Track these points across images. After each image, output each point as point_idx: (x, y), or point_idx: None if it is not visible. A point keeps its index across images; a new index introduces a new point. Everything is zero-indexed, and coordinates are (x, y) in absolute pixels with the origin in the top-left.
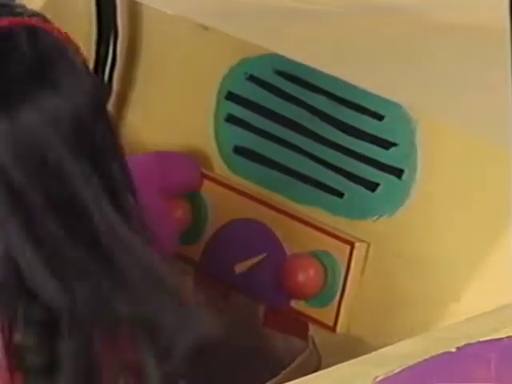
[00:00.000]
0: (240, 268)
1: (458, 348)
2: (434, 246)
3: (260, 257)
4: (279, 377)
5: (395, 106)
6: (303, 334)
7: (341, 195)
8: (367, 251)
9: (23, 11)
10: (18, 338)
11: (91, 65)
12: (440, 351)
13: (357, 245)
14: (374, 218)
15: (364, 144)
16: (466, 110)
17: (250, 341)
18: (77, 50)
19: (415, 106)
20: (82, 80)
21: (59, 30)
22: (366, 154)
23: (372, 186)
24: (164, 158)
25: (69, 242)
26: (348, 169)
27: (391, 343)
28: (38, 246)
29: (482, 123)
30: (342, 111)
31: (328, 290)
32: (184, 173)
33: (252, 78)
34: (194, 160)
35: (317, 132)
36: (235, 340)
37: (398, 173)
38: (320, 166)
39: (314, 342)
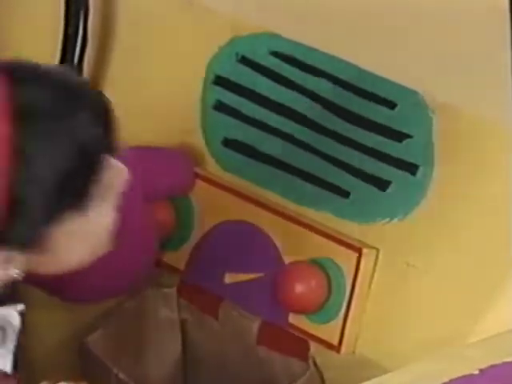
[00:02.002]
0: (231, 278)
1: (481, 370)
2: (452, 254)
3: (256, 273)
4: None
5: (409, 93)
6: (303, 354)
7: (347, 195)
8: (376, 259)
9: None
10: None
11: (59, 45)
12: (460, 373)
13: (365, 251)
14: (385, 221)
15: (373, 136)
16: (490, 97)
17: (242, 361)
18: None
19: (432, 93)
20: None
21: None
22: (376, 147)
23: (382, 185)
24: (149, 153)
25: None
26: (355, 165)
27: (403, 364)
28: None
29: (505, 111)
30: (347, 98)
31: (332, 304)
32: (173, 172)
33: (244, 60)
34: (185, 156)
35: (318, 122)
36: (225, 360)
37: (412, 169)
38: (322, 162)
39: (315, 364)
